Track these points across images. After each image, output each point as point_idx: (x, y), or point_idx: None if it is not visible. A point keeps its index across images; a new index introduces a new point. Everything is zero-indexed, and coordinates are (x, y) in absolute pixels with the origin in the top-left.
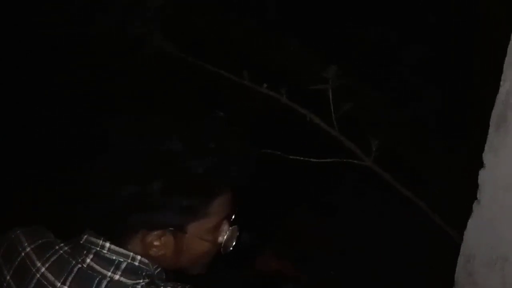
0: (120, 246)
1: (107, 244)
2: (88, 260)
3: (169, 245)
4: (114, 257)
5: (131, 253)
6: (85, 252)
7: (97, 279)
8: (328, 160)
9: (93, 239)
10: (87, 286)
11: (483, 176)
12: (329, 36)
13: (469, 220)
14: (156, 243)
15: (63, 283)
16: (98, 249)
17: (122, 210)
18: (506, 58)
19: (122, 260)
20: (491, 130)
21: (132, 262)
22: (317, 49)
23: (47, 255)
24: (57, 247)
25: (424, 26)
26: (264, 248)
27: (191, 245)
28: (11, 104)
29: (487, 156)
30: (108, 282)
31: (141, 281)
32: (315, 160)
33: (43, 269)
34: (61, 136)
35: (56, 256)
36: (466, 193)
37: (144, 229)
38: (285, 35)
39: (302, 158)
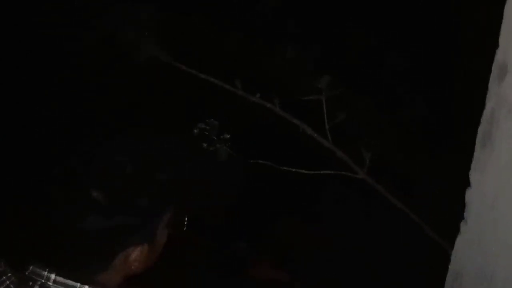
0: (105, 270)
1: (52, 276)
2: None
3: (146, 253)
4: None
5: (78, 284)
6: (30, 283)
7: None
8: (321, 172)
9: (38, 271)
10: None
11: (470, 195)
12: (324, 45)
13: (457, 239)
14: (138, 258)
15: None
16: (43, 281)
17: (115, 239)
18: (491, 75)
19: None
20: (477, 148)
21: None
22: (312, 59)
23: None
24: (4, 277)
25: (420, 37)
26: (259, 257)
27: (160, 240)
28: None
29: (473, 175)
30: None
31: None
32: (307, 172)
33: None
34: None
35: (3, 287)
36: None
37: (128, 248)
38: (280, 44)
39: (294, 170)
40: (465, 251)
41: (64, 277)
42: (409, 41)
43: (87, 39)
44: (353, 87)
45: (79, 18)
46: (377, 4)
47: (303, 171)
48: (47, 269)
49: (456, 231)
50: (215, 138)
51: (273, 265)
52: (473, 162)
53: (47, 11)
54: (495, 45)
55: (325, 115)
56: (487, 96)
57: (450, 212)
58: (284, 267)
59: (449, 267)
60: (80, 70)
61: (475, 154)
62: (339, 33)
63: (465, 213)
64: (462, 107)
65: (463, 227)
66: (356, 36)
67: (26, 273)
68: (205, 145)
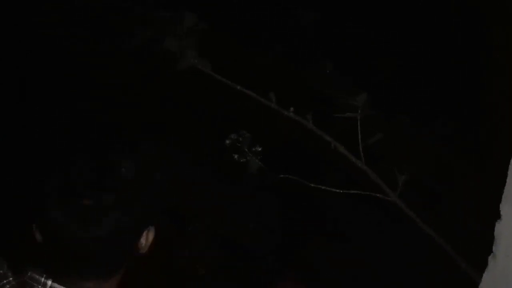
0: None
1: (49, 282)
2: None
3: (152, 236)
4: None
5: None
6: None
7: None
8: (352, 191)
9: (36, 276)
10: None
11: (500, 228)
12: (364, 63)
13: (484, 274)
14: (148, 242)
15: None
16: (40, 287)
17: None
18: None
19: None
20: (508, 179)
21: None
22: (350, 76)
23: None
24: (5, 281)
25: (460, 65)
26: (284, 273)
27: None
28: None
29: (504, 207)
30: None
31: None
32: (337, 190)
33: None
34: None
35: None
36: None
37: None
38: (319, 59)
39: (324, 188)
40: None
41: (61, 284)
42: (449, 67)
43: (128, 46)
44: (391, 107)
45: (122, 25)
46: (420, 25)
47: (333, 189)
48: (44, 275)
49: (485, 263)
50: (247, 150)
51: (299, 284)
52: (504, 194)
53: (88, 18)
54: None
55: (359, 134)
56: None
57: (482, 243)
58: (310, 286)
59: None
60: (118, 76)
61: (506, 186)
62: (380, 52)
63: (493, 247)
64: (496, 138)
65: (491, 261)
66: (397, 56)
67: (25, 278)
68: (236, 156)
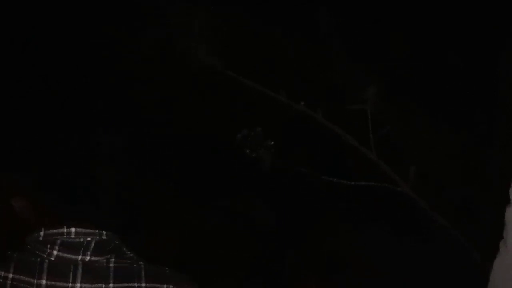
0: None
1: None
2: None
3: None
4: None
5: (97, 230)
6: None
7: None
8: (363, 183)
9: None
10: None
11: (510, 213)
12: (377, 54)
13: (495, 260)
14: None
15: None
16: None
17: None
18: None
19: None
20: None
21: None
22: (362, 68)
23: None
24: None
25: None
26: (302, 269)
27: None
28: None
29: None
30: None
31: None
32: (349, 182)
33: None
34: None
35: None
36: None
37: None
38: (331, 51)
39: (335, 180)
40: (504, 273)
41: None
42: (466, 58)
43: (142, 45)
44: (402, 98)
45: (135, 25)
46: (436, 16)
47: (345, 181)
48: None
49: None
50: (258, 145)
51: (318, 279)
52: None
53: (102, 17)
54: None
55: (370, 126)
56: None
57: (494, 232)
58: (329, 281)
59: None
60: (130, 72)
61: None
62: (393, 42)
63: (504, 233)
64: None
65: (502, 247)
66: (411, 46)
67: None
68: (248, 151)
